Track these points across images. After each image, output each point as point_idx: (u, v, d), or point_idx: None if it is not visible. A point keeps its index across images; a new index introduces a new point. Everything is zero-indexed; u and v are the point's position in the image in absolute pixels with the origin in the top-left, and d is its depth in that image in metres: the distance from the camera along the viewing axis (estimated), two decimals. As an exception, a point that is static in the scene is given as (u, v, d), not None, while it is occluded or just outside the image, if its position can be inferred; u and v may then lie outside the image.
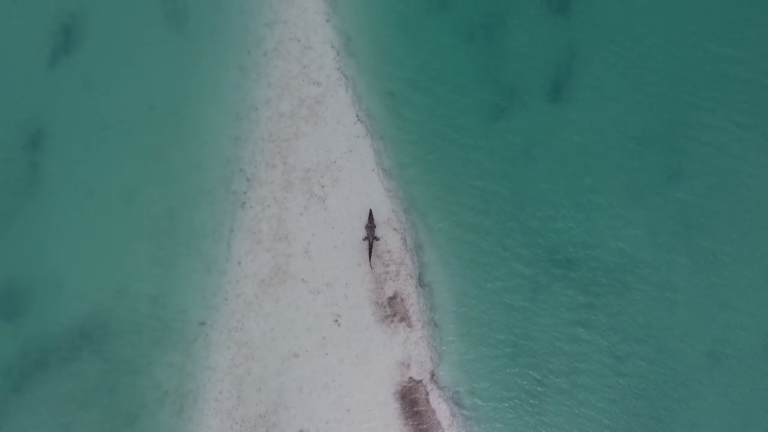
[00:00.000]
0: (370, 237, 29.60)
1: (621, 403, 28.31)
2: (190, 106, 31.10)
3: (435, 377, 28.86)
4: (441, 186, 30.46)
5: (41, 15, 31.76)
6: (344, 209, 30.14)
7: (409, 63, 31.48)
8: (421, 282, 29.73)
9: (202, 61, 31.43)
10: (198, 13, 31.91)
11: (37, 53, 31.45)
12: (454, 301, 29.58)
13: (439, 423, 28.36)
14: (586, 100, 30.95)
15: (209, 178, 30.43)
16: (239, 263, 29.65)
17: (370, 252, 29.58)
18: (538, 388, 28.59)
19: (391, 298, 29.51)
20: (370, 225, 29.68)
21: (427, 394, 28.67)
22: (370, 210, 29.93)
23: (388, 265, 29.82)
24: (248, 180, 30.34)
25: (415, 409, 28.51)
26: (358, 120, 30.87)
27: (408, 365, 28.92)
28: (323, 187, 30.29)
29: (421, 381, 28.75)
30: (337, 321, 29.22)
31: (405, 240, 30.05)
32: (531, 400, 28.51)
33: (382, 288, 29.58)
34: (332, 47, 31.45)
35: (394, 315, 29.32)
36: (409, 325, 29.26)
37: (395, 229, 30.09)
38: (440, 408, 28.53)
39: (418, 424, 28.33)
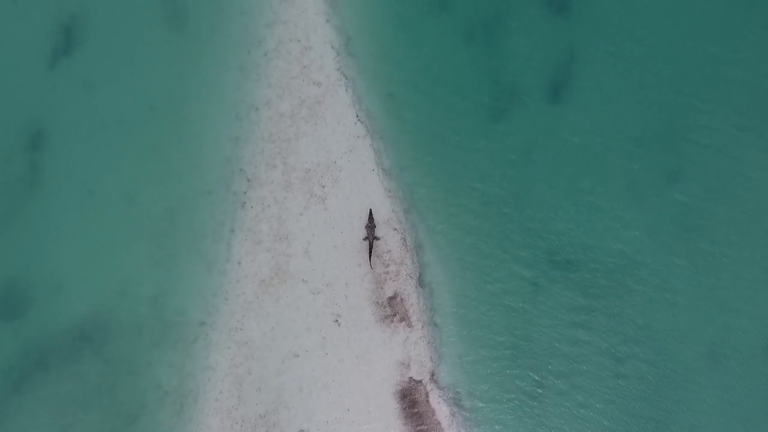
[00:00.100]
0: (371, 237, 29.65)
1: (620, 405, 28.39)
2: (190, 107, 31.06)
3: (435, 377, 28.92)
4: (441, 186, 30.51)
5: (41, 15, 31.66)
6: (344, 209, 30.18)
7: (409, 63, 31.48)
8: (421, 282, 29.78)
9: (203, 61, 31.38)
10: (198, 14, 31.84)
11: (38, 54, 31.35)
12: (454, 301, 29.65)
13: (438, 423, 28.43)
14: (585, 102, 30.98)
15: (209, 178, 30.43)
16: (239, 263, 29.69)
17: (371, 252, 29.62)
18: (538, 389, 28.67)
19: (391, 298, 29.56)
20: (370, 225, 29.72)
21: (427, 394, 28.74)
22: (370, 210, 29.98)
23: (388, 265, 29.87)
24: (248, 180, 30.37)
25: (415, 409, 28.58)
26: (358, 120, 30.89)
27: (408, 365, 28.98)
28: (323, 187, 30.33)
29: (420, 381, 28.82)
30: (337, 321, 29.27)
31: (405, 240, 30.10)
32: (531, 401, 28.58)
33: (382, 288, 29.63)
34: (332, 48, 31.45)
35: (394, 315, 29.38)
36: (409, 325, 29.32)
37: (395, 229, 30.14)
38: (440, 408, 28.61)
39: (417, 424, 28.40)
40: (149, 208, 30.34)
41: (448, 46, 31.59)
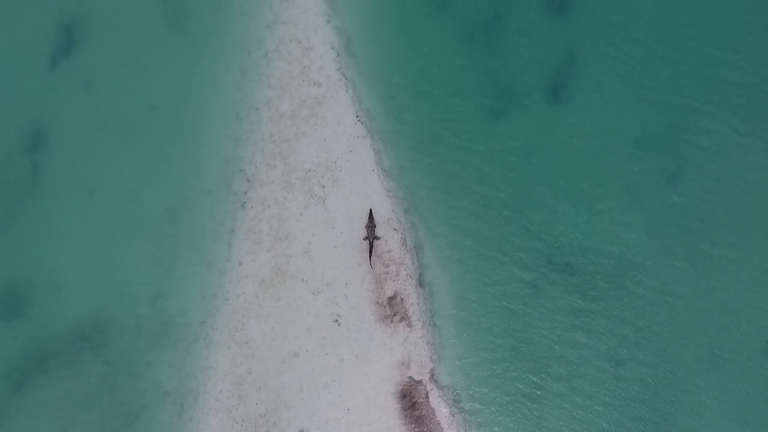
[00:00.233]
0: (371, 237, 29.71)
1: (619, 407, 28.39)
2: (190, 107, 31.13)
3: (434, 377, 28.97)
4: (441, 187, 30.54)
5: (42, 16, 31.74)
6: (344, 209, 30.23)
7: (409, 64, 31.53)
8: (421, 282, 29.84)
9: (203, 62, 31.45)
10: (198, 14, 31.91)
11: (38, 54, 31.46)
12: (453, 302, 29.70)
13: (438, 423, 28.47)
14: (585, 103, 30.99)
15: (210, 178, 30.50)
16: (240, 263, 29.74)
17: (371, 251, 29.68)
18: (537, 391, 28.70)
19: (391, 298, 29.62)
20: (371, 225, 29.78)
21: (427, 393, 28.78)
22: (371, 210, 30.03)
23: (388, 265, 29.93)
24: (249, 180, 30.42)
25: (415, 409, 28.62)
26: (358, 121, 30.95)
27: (408, 365, 29.02)
28: (323, 187, 30.38)
29: (420, 381, 28.86)
30: (337, 321, 29.32)
31: (405, 240, 30.15)
32: (530, 402, 28.62)
33: (382, 288, 29.68)
34: (332, 48, 31.50)
35: (394, 315, 29.43)
36: (409, 325, 29.37)
37: (395, 230, 30.19)
38: (440, 408, 28.65)
39: (417, 424, 28.44)
40: (149, 209, 30.42)
41: (448, 47, 31.64)
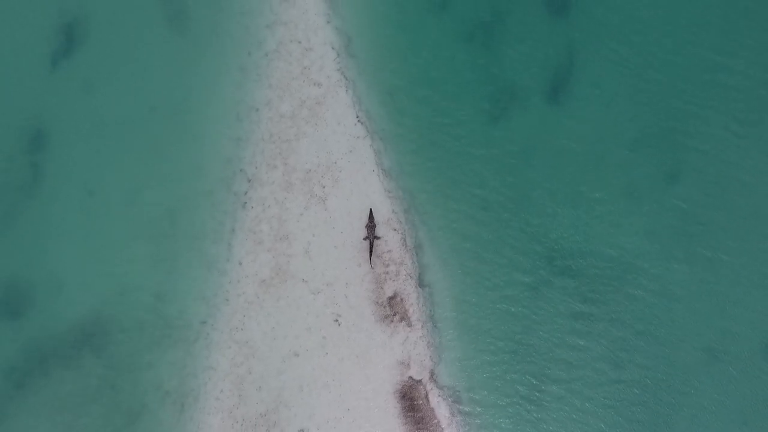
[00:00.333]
0: (371, 236, 29.76)
1: (618, 408, 28.51)
2: (190, 107, 31.16)
3: (434, 377, 29.03)
4: (441, 187, 30.60)
5: (43, 17, 31.76)
6: (344, 209, 30.29)
7: (409, 64, 31.58)
8: (420, 282, 29.89)
9: (203, 62, 31.48)
10: (199, 15, 31.93)
11: (39, 54, 31.48)
12: (453, 302, 29.78)
13: (438, 422, 28.54)
14: (584, 105, 31.05)
15: (210, 178, 30.54)
16: (240, 263, 29.79)
17: (371, 251, 29.73)
18: (537, 392, 28.78)
19: (391, 298, 29.67)
20: (371, 224, 29.83)
21: (427, 393, 28.85)
22: (371, 209, 30.09)
23: (388, 265, 29.98)
24: (249, 180, 30.46)
25: (415, 408, 28.69)
26: (359, 121, 30.99)
27: (408, 365, 29.08)
28: (324, 187, 30.43)
29: (420, 380, 28.93)
30: (337, 320, 29.38)
31: (405, 240, 30.20)
32: (530, 402, 28.70)
33: (382, 288, 29.74)
34: (333, 49, 31.54)
35: (394, 315, 29.48)
36: (409, 325, 29.42)
37: (395, 230, 30.25)
38: (439, 407, 28.73)
39: (417, 423, 28.50)
40: (150, 209, 30.46)
41: (448, 48, 31.68)
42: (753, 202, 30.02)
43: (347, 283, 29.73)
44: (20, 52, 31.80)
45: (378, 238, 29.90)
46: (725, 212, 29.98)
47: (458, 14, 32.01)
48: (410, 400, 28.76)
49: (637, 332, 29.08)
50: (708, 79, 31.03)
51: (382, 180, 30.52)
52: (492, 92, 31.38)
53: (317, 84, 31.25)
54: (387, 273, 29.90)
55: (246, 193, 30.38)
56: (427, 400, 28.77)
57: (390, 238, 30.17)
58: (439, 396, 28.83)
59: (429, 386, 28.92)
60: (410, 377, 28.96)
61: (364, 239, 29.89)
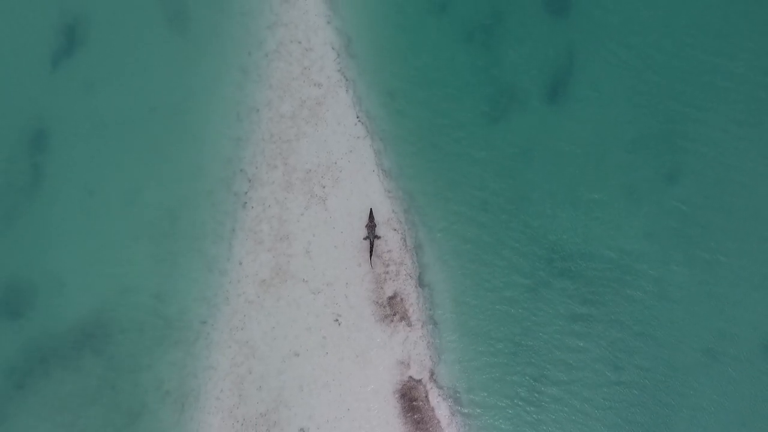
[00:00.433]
0: (371, 236, 29.81)
1: (618, 409, 28.48)
2: (191, 108, 31.19)
3: (434, 376, 29.07)
4: (441, 187, 30.64)
5: (44, 17, 31.79)
6: (344, 209, 30.34)
7: (409, 65, 31.63)
8: (420, 282, 29.94)
9: (204, 62, 31.53)
10: (199, 15, 31.98)
11: (40, 55, 31.51)
12: (453, 302, 29.80)
13: (438, 422, 28.57)
14: (583, 107, 31.08)
15: (210, 178, 30.57)
16: (240, 263, 29.84)
17: (371, 251, 29.79)
18: (536, 392, 28.79)
19: (391, 298, 29.72)
20: (371, 224, 29.89)
21: (427, 393, 28.89)
22: (371, 209, 30.14)
23: (388, 265, 30.03)
24: (249, 180, 30.52)
25: (414, 408, 28.71)
26: (359, 121, 31.05)
27: (407, 364, 29.12)
28: (324, 187, 30.49)
29: (420, 380, 28.97)
30: (337, 320, 29.42)
31: (405, 240, 30.26)
32: (529, 403, 28.70)
33: (382, 288, 29.79)
34: (333, 49, 31.60)
35: (394, 314, 29.53)
36: (409, 325, 29.47)
37: (395, 230, 30.30)
38: (439, 407, 28.76)
39: (417, 423, 28.53)
40: (150, 209, 30.48)
41: (448, 48, 31.74)
42: (752, 204, 30.07)
43: (347, 283, 29.78)
44: (21, 52, 31.84)
45: (378, 237, 29.96)
46: (724, 214, 30.02)
47: (458, 15, 32.08)
48: (410, 399, 28.80)
49: (636, 334, 29.10)
50: (707, 81, 31.08)
51: (382, 180, 30.58)
52: (492, 93, 31.43)
53: (317, 84, 31.32)
54: (387, 273, 29.96)
55: (246, 193, 30.44)
56: (427, 400, 28.81)
57: (390, 238, 30.23)
58: (438, 396, 28.87)
59: (429, 386, 28.96)
60: (410, 377, 29.00)
61: (365, 239, 29.95)
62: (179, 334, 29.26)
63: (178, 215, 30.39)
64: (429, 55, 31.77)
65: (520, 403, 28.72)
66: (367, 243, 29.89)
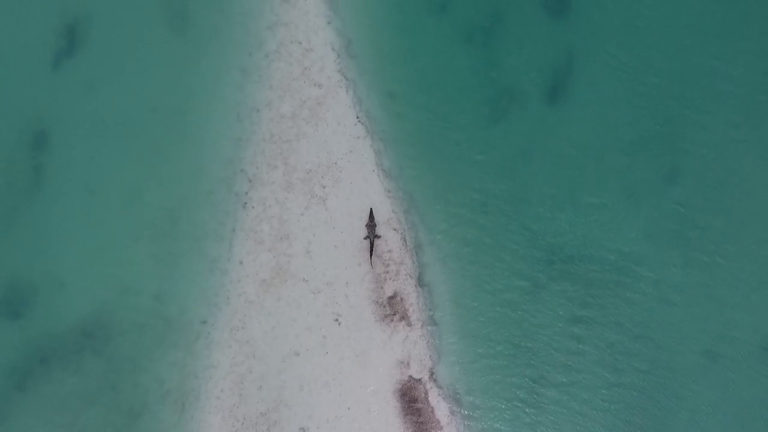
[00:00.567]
0: (371, 236, 29.88)
1: (617, 411, 28.58)
2: (191, 108, 31.17)
3: (434, 376, 29.15)
4: (440, 187, 30.71)
5: (44, 17, 31.74)
6: (345, 209, 30.40)
7: (409, 65, 31.66)
8: (420, 282, 30.01)
9: (204, 63, 31.51)
10: (200, 16, 31.95)
11: (41, 55, 31.41)
12: (453, 301, 29.88)
13: (438, 421, 28.64)
14: (582, 107, 31.12)
15: (211, 178, 30.58)
16: (241, 263, 29.89)
17: (371, 251, 29.86)
18: (536, 392, 28.86)
19: (391, 298, 29.78)
20: (371, 224, 29.95)
21: (427, 392, 28.95)
22: (371, 209, 30.21)
23: (388, 265, 30.10)
24: (250, 180, 30.57)
25: (415, 407, 28.78)
26: (359, 121, 31.12)
27: (407, 364, 29.19)
28: (324, 187, 30.55)
29: (420, 379, 29.03)
30: (337, 320, 29.48)
31: (405, 240, 30.33)
32: (529, 403, 28.78)
33: (382, 287, 29.85)
34: (333, 49, 31.66)
35: (394, 314, 29.59)
36: (409, 324, 29.54)
37: (395, 230, 30.38)
38: (439, 406, 28.84)
39: (417, 422, 28.60)
40: (151, 209, 30.44)
41: (448, 49, 31.76)
42: (750, 207, 30.17)
43: (347, 283, 29.85)
44: (21, 52, 31.77)
45: (378, 237, 30.02)
46: (723, 216, 30.11)
47: (458, 16, 32.14)
48: (410, 399, 28.87)
49: (635, 336, 29.18)
50: (706, 84, 31.15)
51: (382, 180, 30.65)
52: (491, 94, 31.47)
53: (318, 85, 31.39)
54: (387, 273, 30.03)
55: (247, 193, 30.49)
56: (427, 400, 28.87)
57: (390, 238, 30.30)
58: (438, 395, 28.94)
59: (429, 385, 29.03)
60: (410, 376, 29.06)
61: (365, 239, 30.01)
62: (180, 333, 29.27)
63: (178, 215, 30.39)
64: (429, 56, 31.81)
65: (519, 404, 28.79)
66: (367, 243, 29.97)
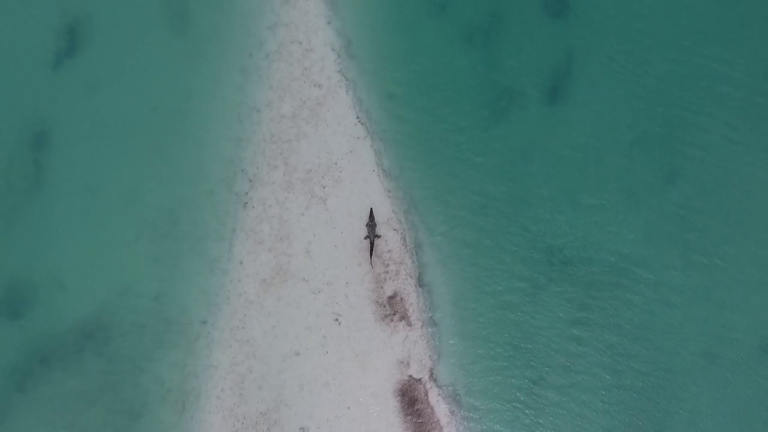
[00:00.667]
0: (371, 235, 29.92)
1: (616, 412, 28.56)
2: (192, 108, 31.26)
3: (434, 375, 29.16)
4: (440, 187, 30.74)
5: (45, 18, 31.85)
6: (345, 209, 30.45)
7: (409, 65, 31.74)
8: (420, 282, 30.04)
9: (205, 63, 31.61)
10: (200, 16, 32.07)
11: (42, 55, 31.55)
12: (453, 301, 29.88)
13: (438, 421, 28.65)
14: (582, 108, 31.20)
15: (211, 178, 30.65)
16: (241, 263, 29.93)
17: (371, 250, 29.90)
18: (535, 392, 28.84)
19: (391, 298, 29.81)
20: (371, 223, 30.00)
21: (426, 392, 28.97)
22: (371, 208, 30.26)
23: (388, 265, 30.13)
24: (250, 180, 30.62)
25: (415, 406, 28.79)
26: (359, 122, 31.18)
27: (407, 363, 29.21)
28: (324, 187, 30.60)
29: (420, 379, 29.05)
30: (337, 320, 29.51)
31: (405, 240, 30.37)
32: (528, 404, 28.75)
33: (382, 287, 29.88)
34: (333, 50, 31.73)
35: (394, 314, 29.62)
36: (409, 324, 29.56)
37: (395, 230, 30.41)
38: (439, 406, 28.84)
39: (417, 422, 28.61)
40: (151, 209, 30.52)
41: (448, 49, 31.84)
42: (749, 208, 30.22)
43: (347, 283, 29.88)
44: (22, 52, 31.89)
45: (378, 236, 30.06)
46: (722, 218, 30.14)
47: (458, 17, 32.22)
48: (410, 398, 28.88)
49: (634, 337, 29.20)
50: (705, 86, 31.23)
51: (383, 180, 30.70)
52: (491, 95, 31.54)
53: (318, 85, 31.45)
54: (387, 272, 30.07)
55: (247, 193, 30.54)
56: (427, 399, 28.89)
57: (390, 238, 30.34)
58: (438, 395, 28.95)
59: (429, 385, 29.05)
60: (410, 376, 29.08)
61: (365, 239, 30.06)
62: (180, 333, 29.30)
63: (178, 215, 30.44)
64: (429, 56, 31.88)
65: (519, 405, 28.79)
66: (367, 242, 30.01)
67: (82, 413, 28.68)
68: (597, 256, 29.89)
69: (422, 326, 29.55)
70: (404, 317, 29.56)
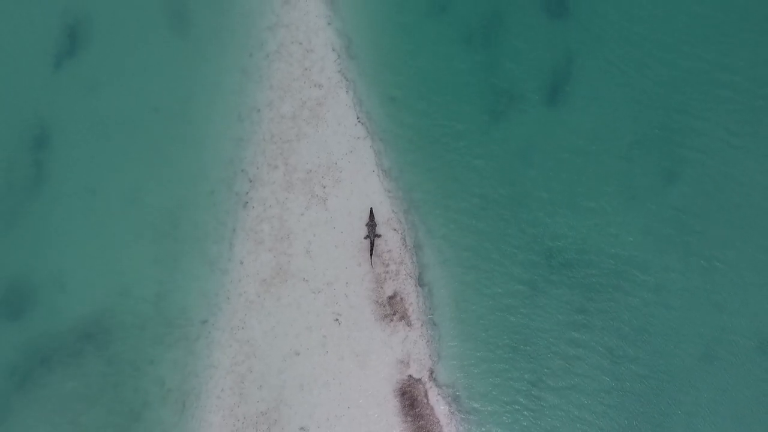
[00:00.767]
0: (371, 235, 29.96)
1: (615, 414, 28.61)
2: (193, 108, 31.32)
3: (434, 375, 29.19)
4: (440, 187, 30.80)
5: (46, 18, 31.90)
6: (345, 209, 30.49)
7: (409, 66, 31.81)
8: (420, 282, 30.08)
9: (205, 63, 31.67)
10: (201, 17, 32.13)
11: (43, 56, 31.61)
12: (452, 301, 29.92)
13: (437, 420, 28.68)
14: (582, 108, 31.29)
15: (212, 178, 30.70)
16: (241, 263, 29.96)
17: (372, 250, 29.94)
18: (535, 392, 28.89)
19: (391, 297, 29.84)
20: (371, 223, 30.04)
21: (426, 391, 28.99)
22: (371, 208, 30.30)
23: (387, 265, 30.17)
24: (250, 181, 30.65)
25: (414, 406, 28.81)
26: (359, 122, 31.23)
27: (407, 363, 29.23)
28: (324, 187, 30.64)
29: (420, 379, 29.08)
30: (337, 320, 29.54)
31: (404, 240, 30.41)
32: (527, 407, 28.80)
33: (381, 287, 29.92)
34: (333, 50, 31.79)
35: (394, 314, 29.65)
36: (409, 324, 29.59)
37: (395, 230, 30.45)
38: (439, 405, 28.86)
39: (416, 421, 28.63)
40: (152, 208, 30.57)
41: (448, 50, 31.91)
42: (748, 211, 30.31)
43: (347, 283, 29.92)
44: (22, 53, 31.92)
45: (378, 236, 30.10)
46: (721, 221, 30.23)
47: (458, 18, 32.27)
48: (410, 398, 28.91)
49: (633, 340, 29.25)
50: (704, 89, 31.34)
51: (383, 180, 30.75)
52: (491, 95, 31.61)
53: (318, 85, 31.50)
54: (387, 272, 30.10)
55: (247, 193, 30.58)
56: (427, 398, 28.92)
57: (390, 238, 30.38)
58: (438, 395, 28.98)
59: (428, 385, 29.08)
60: (410, 376, 29.12)
61: (365, 238, 30.10)
62: (180, 333, 29.33)
63: (179, 215, 30.47)
64: (429, 57, 31.95)
65: (518, 407, 28.82)
66: (367, 242, 30.05)
67: (82, 413, 28.69)
68: (596, 259, 29.94)
69: (422, 326, 29.58)
70: (404, 317, 29.59)
